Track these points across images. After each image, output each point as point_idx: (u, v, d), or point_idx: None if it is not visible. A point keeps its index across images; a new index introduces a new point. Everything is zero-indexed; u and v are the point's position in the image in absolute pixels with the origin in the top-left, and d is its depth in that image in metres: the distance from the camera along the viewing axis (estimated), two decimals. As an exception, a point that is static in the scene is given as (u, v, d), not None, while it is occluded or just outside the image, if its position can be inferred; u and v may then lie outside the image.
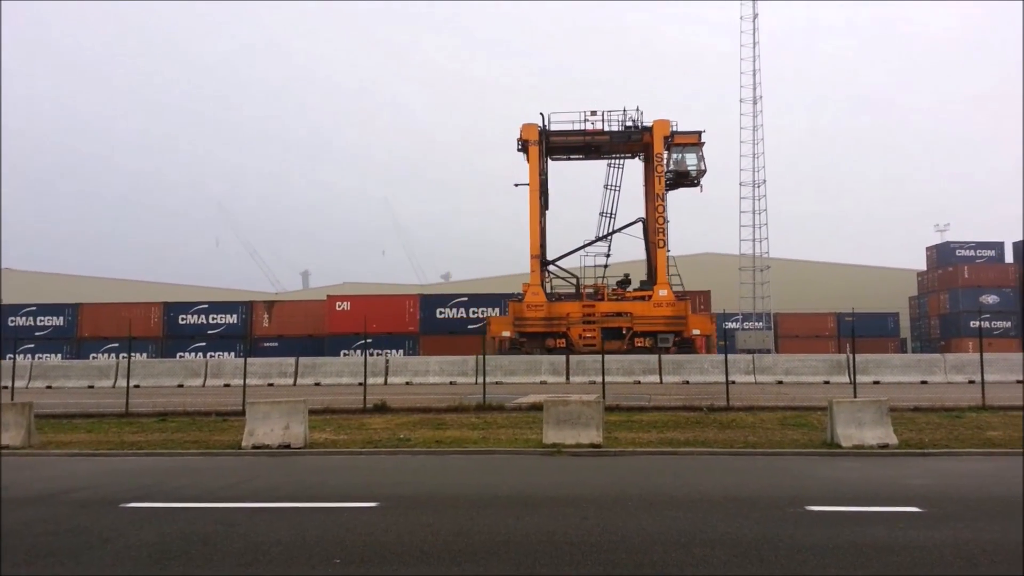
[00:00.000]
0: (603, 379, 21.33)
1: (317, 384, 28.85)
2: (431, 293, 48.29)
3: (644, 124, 35.15)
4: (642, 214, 36.84)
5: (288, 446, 14.31)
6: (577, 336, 33.54)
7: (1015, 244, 51.98)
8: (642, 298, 34.55)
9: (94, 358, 38.88)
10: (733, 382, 23.04)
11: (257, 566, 6.50)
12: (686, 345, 33.45)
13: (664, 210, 34.28)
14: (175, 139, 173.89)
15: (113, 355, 39.55)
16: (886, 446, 13.62)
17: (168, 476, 11.63)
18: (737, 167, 47.32)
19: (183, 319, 43.07)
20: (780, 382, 27.44)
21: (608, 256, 35.99)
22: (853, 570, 6.26)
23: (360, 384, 22.09)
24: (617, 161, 36.14)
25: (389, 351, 38.47)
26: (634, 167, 38.13)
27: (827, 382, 27.03)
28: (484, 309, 41.14)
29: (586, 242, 36.06)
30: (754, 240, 47.60)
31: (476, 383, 25.15)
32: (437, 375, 29.42)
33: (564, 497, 9.53)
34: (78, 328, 43.20)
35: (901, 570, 6.28)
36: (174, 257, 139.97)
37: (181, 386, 28.75)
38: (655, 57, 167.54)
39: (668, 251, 34.39)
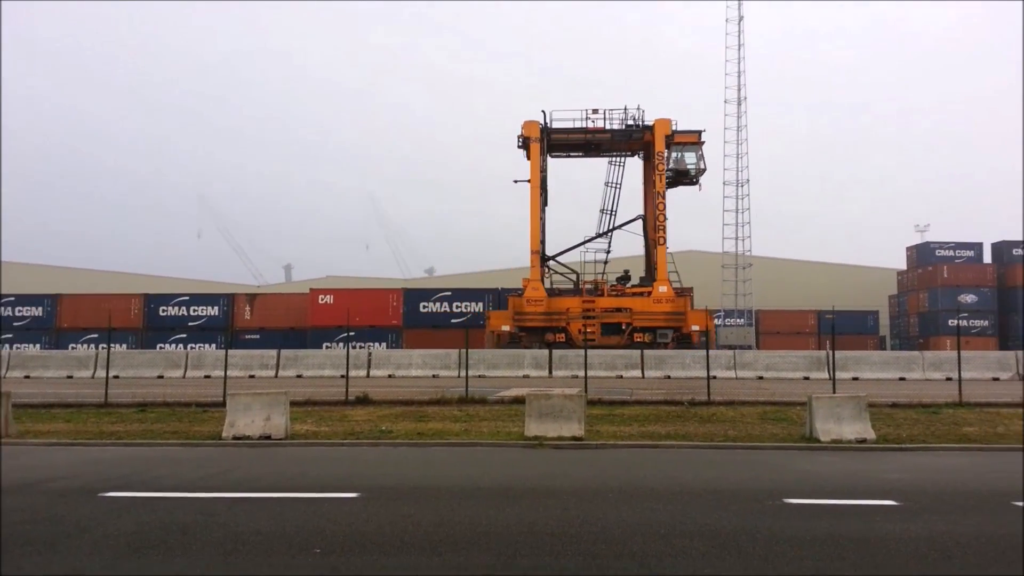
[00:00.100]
0: (585, 373, 21.42)
1: (299, 376, 28.74)
2: (415, 287, 48.22)
3: (645, 123, 35.47)
4: (639, 211, 37.12)
5: (269, 437, 14.25)
6: (577, 331, 33.65)
7: (993, 245, 52.71)
8: (642, 294, 34.80)
9: (73, 349, 38.52)
10: (714, 377, 23.18)
11: (237, 556, 6.48)
12: (685, 341, 33.68)
13: (664, 208, 34.62)
14: (164, 134, 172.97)
15: (92, 346, 39.17)
16: (864, 441, 13.77)
17: (147, 466, 11.54)
18: (721, 166, 47.76)
19: (164, 311, 42.77)
20: (761, 377, 27.66)
21: (608, 252, 36.27)
22: (830, 561, 6.34)
23: (342, 376, 22.03)
24: (618, 159, 36.42)
25: (372, 344, 38.40)
26: (633, 165, 38.38)
27: (807, 378, 27.28)
28: (467, 303, 41.18)
29: (587, 238, 36.37)
30: (737, 238, 48.01)
31: (459, 376, 25.19)
32: (420, 368, 29.38)
33: (545, 489, 9.56)
34: (57, 319, 42.80)
35: (877, 562, 6.36)
36: (155, 250, 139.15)
37: (161, 377, 28.54)
38: (655, 57, 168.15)
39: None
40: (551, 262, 36.48)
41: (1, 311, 42.77)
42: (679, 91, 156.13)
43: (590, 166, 38.58)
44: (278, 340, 38.01)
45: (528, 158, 35.02)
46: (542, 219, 35.44)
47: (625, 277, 36.57)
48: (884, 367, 28.35)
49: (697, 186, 36.28)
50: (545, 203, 36.10)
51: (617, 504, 8.52)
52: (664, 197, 34.56)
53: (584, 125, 35.49)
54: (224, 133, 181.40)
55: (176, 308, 42.91)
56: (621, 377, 27.92)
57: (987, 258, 52.35)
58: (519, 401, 17.59)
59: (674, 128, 34.99)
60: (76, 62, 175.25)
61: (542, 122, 35.21)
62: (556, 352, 29.84)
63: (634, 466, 11.73)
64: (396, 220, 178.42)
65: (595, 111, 35.46)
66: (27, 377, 28.59)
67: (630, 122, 35.57)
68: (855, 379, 26.80)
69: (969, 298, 49.20)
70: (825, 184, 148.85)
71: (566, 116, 35.61)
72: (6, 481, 10.11)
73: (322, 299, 41.11)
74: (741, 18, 48.52)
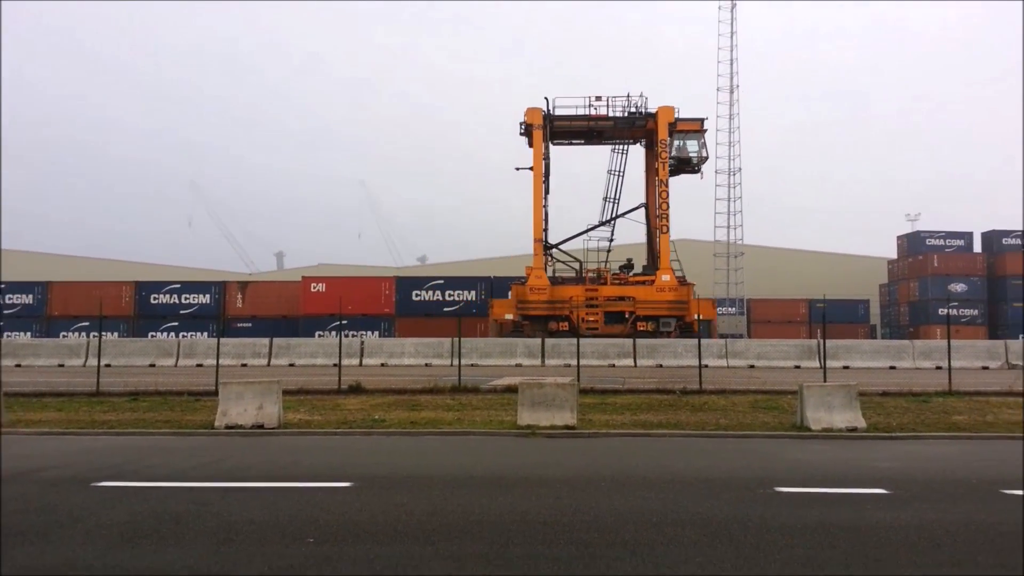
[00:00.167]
0: (578, 362, 21.45)
1: (291, 365, 28.72)
2: (407, 276, 48.15)
3: (648, 110, 35.35)
4: (642, 200, 37.09)
5: (262, 426, 14.24)
6: (580, 320, 33.65)
7: (983, 234, 52.93)
8: (645, 283, 34.78)
9: (64, 337, 38.29)
10: (706, 366, 23.29)
11: (230, 545, 6.48)
12: (688, 330, 33.70)
13: (667, 196, 34.51)
14: (159, 121, 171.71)
15: (84, 334, 38.99)
16: (855, 429, 13.85)
17: (140, 455, 11.52)
18: (714, 154, 47.81)
19: (155, 299, 42.57)
20: (752, 366, 27.79)
21: (611, 240, 36.25)
22: (821, 549, 6.38)
23: (335, 365, 22.01)
24: (621, 147, 36.32)
25: (364, 333, 38.33)
26: (636, 153, 38.30)
27: (798, 367, 27.42)
28: (460, 292, 41.14)
29: (590, 226, 36.32)
30: (729, 227, 48.19)
31: (451, 365, 25.19)
32: (412, 357, 29.41)
33: (538, 478, 9.59)
34: (48, 306, 42.55)
35: (867, 550, 6.41)
36: (147, 237, 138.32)
37: (153, 365, 28.48)
38: (655, 57, 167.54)
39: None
40: (554, 250, 36.42)
41: (-8, 298, 42.54)
42: (679, 91, 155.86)
43: (590, 159, 38.80)
44: (270, 328, 37.95)
45: (531, 145, 34.86)
46: (545, 207, 35.35)
47: (628, 266, 36.54)
48: (875, 356, 28.53)
49: (699, 174, 36.31)
50: (547, 191, 35.99)
51: (609, 493, 8.56)
52: (667, 185, 34.47)
53: (587, 112, 35.39)
54: (218, 122, 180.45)
55: (168, 296, 42.72)
56: (613, 366, 28.00)
57: (977, 247, 52.61)
58: (512, 390, 17.62)
59: (677, 116, 34.91)
60: (71, 50, 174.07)
61: (545, 109, 35.05)
62: (549, 341, 29.90)
63: (626, 455, 11.78)
64: (388, 208, 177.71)
65: (598, 98, 35.34)
66: (18, 366, 28.47)
67: (633, 110, 35.47)
68: (846, 368, 26.96)
69: (959, 287, 49.45)
70: (822, 179, 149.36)
71: (568, 104, 35.53)
72: (-3, 470, 10.09)
73: (314, 287, 41.00)
74: (734, 5, 48.69)
